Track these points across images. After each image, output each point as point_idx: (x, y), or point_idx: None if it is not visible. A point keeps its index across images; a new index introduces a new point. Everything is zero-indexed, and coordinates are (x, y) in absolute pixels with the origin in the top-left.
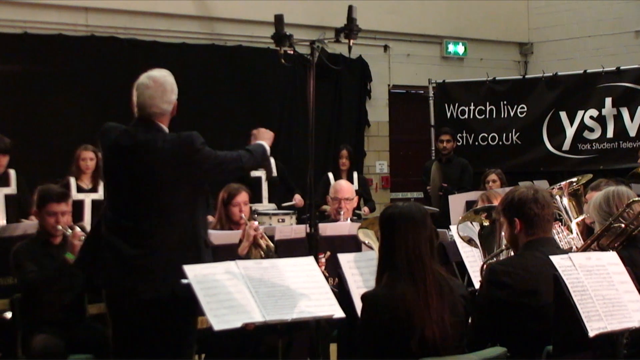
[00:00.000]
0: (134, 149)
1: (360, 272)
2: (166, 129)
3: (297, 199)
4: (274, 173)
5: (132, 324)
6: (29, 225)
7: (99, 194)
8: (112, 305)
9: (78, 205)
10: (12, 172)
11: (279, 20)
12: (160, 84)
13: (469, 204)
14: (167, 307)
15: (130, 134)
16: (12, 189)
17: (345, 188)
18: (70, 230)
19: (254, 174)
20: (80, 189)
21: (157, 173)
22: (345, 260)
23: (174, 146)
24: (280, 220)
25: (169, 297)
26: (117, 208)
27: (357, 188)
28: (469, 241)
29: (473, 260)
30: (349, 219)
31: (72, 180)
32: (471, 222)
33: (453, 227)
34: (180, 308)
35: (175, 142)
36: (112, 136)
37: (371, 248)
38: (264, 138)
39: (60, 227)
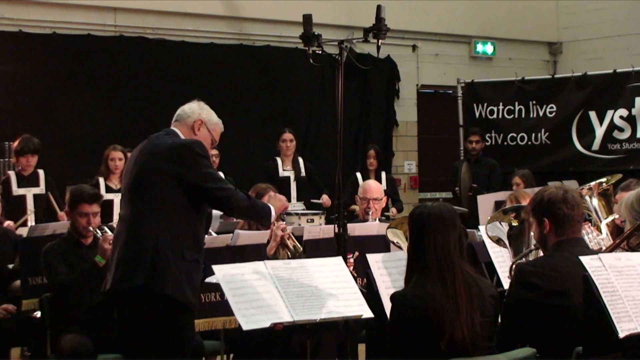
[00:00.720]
0: None
1: (388, 272)
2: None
3: (325, 199)
4: (303, 173)
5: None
6: (59, 225)
7: None
8: None
9: (107, 205)
10: (41, 172)
11: (307, 20)
12: None
13: (498, 204)
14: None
15: None
16: (40, 189)
17: (374, 188)
18: (100, 233)
19: (283, 173)
20: (109, 189)
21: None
22: (374, 260)
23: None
24: (309, 220)
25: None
26: None
27: (385, 188)
28: (498, 241)
29: (502, 260)
30: (377, 219)
31: (101, 181)
32: (500, 222)
33: (482, 227)
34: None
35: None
36: None
37: (400, 248)
38: (275, 205)
39: (91, 228)
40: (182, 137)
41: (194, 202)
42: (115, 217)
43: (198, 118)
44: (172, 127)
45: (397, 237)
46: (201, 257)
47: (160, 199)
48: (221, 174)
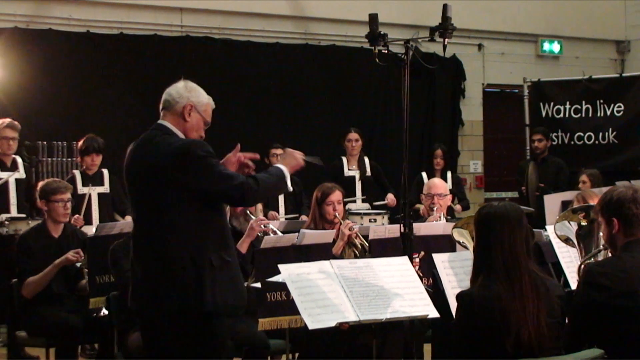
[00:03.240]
0: None
1: (454, 272)
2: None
3: (390, 199)
4: (368, 172)
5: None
6: (126, 223)
7: None
8: None
9: None
10: (105, 172)
11: (373, 19)
12: None
13: (565, 204)
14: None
15: None
16: (105, 188)
17: (438, 184)
18: None
19: (348, 173)
20: None
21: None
22: (440, 260)
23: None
24: (372, 220)
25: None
26: None
27: (451, 187)
28: (566, 240)
29: (569, 260)
30: (442, 218)
31: None
32: (569, 222)
33: (549, 227)
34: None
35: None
36: None
37: (466, 248)
38: (289, 164)
39: None
40: (175, 130)
41: (210, 204)
42: None
43: (187, 103)
44: (160, 120)
45: (463, 237)
46: (231, 255)
47: (175, 210)
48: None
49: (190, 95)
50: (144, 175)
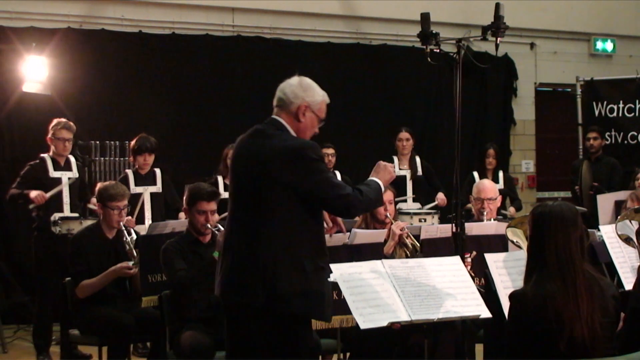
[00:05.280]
0: None
1: (507, 272)
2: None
3: (440, 199)
4: (419, 172)
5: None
6: (178, 223)
7: None
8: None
9: (226, 204)
10: (157, 171)
11: (425, 18)
12: None
13: (618, 204)
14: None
15: None
16: (157, 188)
17: (488, 188)
18: (220, 228)
19: (399, 172)
20: (227, 188)
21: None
22: (493, 260)
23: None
24: (422, 219)
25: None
26: None
27: (502, 187)
28: (627, 240)
29: (623, 261)
30: (492, 220)
31: (220, 179)
32: (630, 221)
33: (602, 227)
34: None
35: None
36: None
37: (519, 247)
38: (383, 178)
39: (209, 225)
40: (288, 128)
41: (312, 209)
42: None
43: (301, 103)
44: (275, 116)
45: (517, 236)
46: (325, 262)
47: (276, 208)
48: (337, 174)
49: (305, 95)
50: (252, 167)
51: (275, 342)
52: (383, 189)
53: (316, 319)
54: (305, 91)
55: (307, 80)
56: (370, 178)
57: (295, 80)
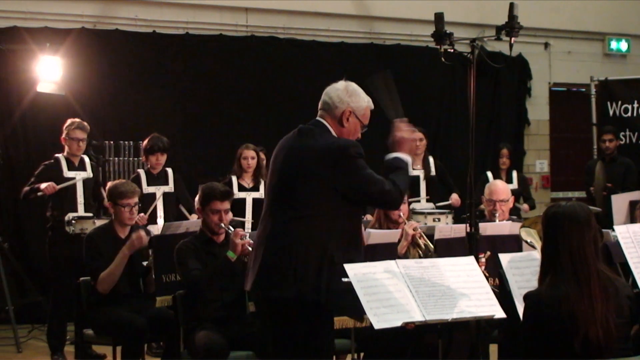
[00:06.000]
0: None
1: (521, 272)
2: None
3: (454, 199)
4: (432, 172)
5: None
6: (191, 223)
7: (260, 193)
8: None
9: (240, 204)
10: (169, 171)
11: (439, 18)
12: None
13: (633, 204)
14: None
15: None
16: (169, 187)
17: (500, 189)
18: (232, 229)
19: (412, 172)
20: (241, 188)
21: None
22: (507, 260)
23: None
24: (436, 219)
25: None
26: None
27: (516, 187)
28: None
29: (638, 261)
30: (504, 221)
31: (234, 179)
32: None
33: (617, 227)
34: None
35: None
36: None
37: (533, 247)
38: (407, 148)
39: (223, 225)
40: (332, 131)
41: (349, 204)
42: (248, 216)
43: (346, 109)
44: (319, 118)
45: (531, 236)
46: (357, 257)
47: (313, 203)
48: None
49: (350, 100)
50: (290, 163)
51: (306, 331)
52: (410, 163)
53: (346, 315)
54: (350, 96)
55: (353, 86)
56: (396, 156)
57: (341, 84)
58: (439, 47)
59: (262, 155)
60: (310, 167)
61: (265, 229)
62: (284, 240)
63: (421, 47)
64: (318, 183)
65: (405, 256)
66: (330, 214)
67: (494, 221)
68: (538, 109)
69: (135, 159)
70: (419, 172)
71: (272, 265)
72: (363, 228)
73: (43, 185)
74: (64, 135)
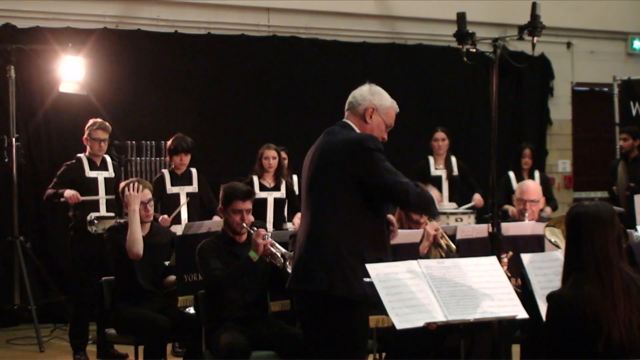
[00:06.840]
0: None
1: (543, 272)
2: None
3: (477, 199)
4: (455, 172)
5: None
6: (214, 223)
7: (281, 193)
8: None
9: (261, 204)
10: (193, 171)
11: (461, 18)
12: None
13: None
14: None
15: None
16: (193, 188)
17: (532, 189)
18: (254, 229)
19: (435, 172)
20: (263, 188)
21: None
22: (529, 260)
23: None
24: (458, 219)
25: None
26: None
27: None
28: None
29: None
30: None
31: (255, 179)
32: None
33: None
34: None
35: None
36: None
37: (557, 246)
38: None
39: (244, 224)
40: (356, 129)
41: (372, 199)
42: (269, 216)
43: (369, 106)
44: (345, 119)
45: (555, 235)
46: (385, 256)
47: (338, 197)
48: None
49: (373, 98)
50: (319, 161)
51: (340, 326)
52: (437, 205)
53: (367, 304)
54: (373, 95)
55: (377, 87)
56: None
57: (365, 86)
58: (461, 46)
59: (284, 155)
60: (332, 161)
61: (302, 227)
62: (316, 237)
63: (443, 47)
64: (345, 180)
65: (427, 256)
66: (359, 212)
67: (523, 220)
68: (560, 108)
69: (157, 158)
70: (441, 172)
71: (305, 260)
72: None
73: (67, 194)
74: (85, 135)
